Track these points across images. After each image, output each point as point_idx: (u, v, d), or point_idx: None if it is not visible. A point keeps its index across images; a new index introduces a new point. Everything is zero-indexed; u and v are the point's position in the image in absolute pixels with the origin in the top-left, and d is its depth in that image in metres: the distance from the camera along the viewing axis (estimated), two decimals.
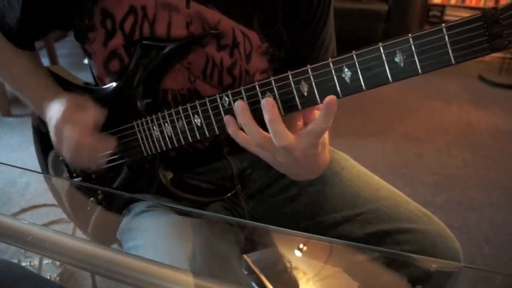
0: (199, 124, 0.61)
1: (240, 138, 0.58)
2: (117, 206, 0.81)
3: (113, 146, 0.71)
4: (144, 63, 0.66)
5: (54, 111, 0.71)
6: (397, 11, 3.03)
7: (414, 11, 3.14)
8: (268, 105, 0.53)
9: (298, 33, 0.69)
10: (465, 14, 3.37)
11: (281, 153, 0.56)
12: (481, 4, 3.34)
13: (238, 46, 0.67)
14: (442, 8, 3.51)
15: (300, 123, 0.58)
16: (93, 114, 0.69)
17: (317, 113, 0.55)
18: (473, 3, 3.39)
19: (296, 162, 0.57)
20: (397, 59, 0.46)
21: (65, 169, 0.84)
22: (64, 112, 0.69)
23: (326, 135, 0.57)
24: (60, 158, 0.83)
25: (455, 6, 3.46)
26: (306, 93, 0.52)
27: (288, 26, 0.68)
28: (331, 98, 0.50)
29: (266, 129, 0.56)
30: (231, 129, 0.57)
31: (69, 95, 0.74)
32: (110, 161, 0.77)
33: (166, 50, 0.64)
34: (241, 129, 0.57)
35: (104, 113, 0.70)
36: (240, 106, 0.55)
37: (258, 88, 0.54)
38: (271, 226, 0.73)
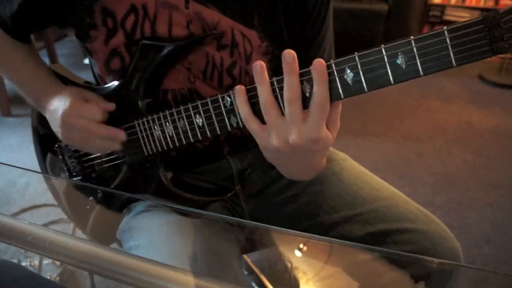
0: (200, 124, 0.61)
1: (243, 110, 0.55)
2: (117, 205, 0.81)
3: (123, 137, 0.71)
4: (145, 62, 0.66)
5: (59, 104, 0.71)
6: (397, 11, 3.02)
7: (414, 11, 3.14)
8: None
9: (297, 32, 0.69)
10: (465, 14, 3.38)
11: (283, 132, 0.53)
12: (481, 4, 3.34)
13: (237, 46, 0.67)
14: (442, 8, 3.51)
15: None
16: (100, 106, 0.70)
17: None
18: (473, 4, 3.39)
19: (292, 154, 0.55)
20: (399, 61, 0.46)
21: (65, 168, 0.84)
22: (70, 105, 0.69)
23: (329, 141, 0.55)
24: (60, 158, 0.83)
25: (455, 6, 3.45)
26: (308, 94, 0.52)
27: (287, 25, 0.68)
28: (318, 61, 0.49)
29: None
30: (239, 99, 0.55)
31: (72, 88, 0.74)
32: (110, 160, 0.77)
33: (167, 50, 0.64)
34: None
35: (111, 105, 0.71)
36: (259, 64, 0.52)
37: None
38: (271, 226, 0.73)
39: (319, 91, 0.50)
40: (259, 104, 0.54)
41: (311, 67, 0.50)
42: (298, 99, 0.51)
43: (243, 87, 0.55)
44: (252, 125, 0.55)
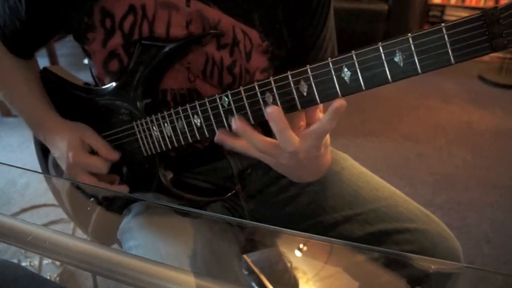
0: (198, 124, 0.61)
1: (239, 147, 0.57)
2: (118, 206, 0.81)
3: (126, 188, 0.75)
4: (143, 63, 0.66)
5: (61, 150, 0.74)
6: (397, 11, 3.03)
7: (414, 11, 3.14)
8: (276, 115, 0.52)
9: (298, 32, 0.69)
10: (465, 14, 3.35)
11: (285, 156, 0.55)
12: (481, 4, 3.34)
13: (238, 45, 0.67)
14: (442, 8, 3.51)
15: (303, 123, 0.57)
16: (103, 157, 0.73)
17: (320, 113, 0.55)
18: (473, 3, 3.39)
19: (299, 164, 0.57)
20: (396, 59, 0.46)
21: None
22: (73, 160, 0.72)
23: (327, 137, 0.57)
24: None
25: (455, 6, 3.46)
26: (305, 93, 0.52)
27: (288, 24, 0.68)
28: (341, 102, 0.49)
29: (265, 130, 0.56)
30: (229, 144, 0.57)
31: (72, 129, 0.75)
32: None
33: (166, 49, 0.64)
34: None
35: (115, 155, 0.73)
36: (240, 125, 0.54)
37: (257, 88, 0.54)
38: (271, 226, 0.73)
39: (329, 123, 0.51)
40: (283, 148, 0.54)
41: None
42: (297, 145, 0.53)
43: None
44: (264, 159, 0.58)
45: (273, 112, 0.52)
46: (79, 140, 0.73)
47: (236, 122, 0.55)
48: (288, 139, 0.53)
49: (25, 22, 0.70)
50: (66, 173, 0.75)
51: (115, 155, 0.73)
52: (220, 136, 0.58)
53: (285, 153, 0.55)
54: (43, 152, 0.89)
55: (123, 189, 0.74)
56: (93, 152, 0.74)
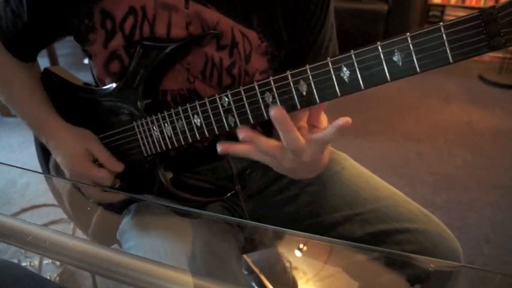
0: (199, 124, 0.62)
1: (243, 152, 0.57)
2: (117, 206, 0.81)
3: (126, 198, 0.76)
4: (144, 63, 0.66)
5: (64, 154, 0.75)
6: (397, 11, 3.03)
7: (414, 11, 3.14)
8: (282, 116, 0.52)
9: (297, 33, 0.69)
10: (465, 14, 3.37)
11: (289, 158, 0.56)
12: (481, 4, 3.34)
13: (237, 46, 0.67)
14: (442, 8, 3.51)
15: (303, 123, 0.58)
16: (108, 168, 0.74)
17: (324, 117, 0.56)
18: (473, 3, 3.39)
19: (301, 166, 0.57)
20: (395, 58, 0.46)
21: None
22: (79, 168, 0.73)
23: None
24: None
25: (455, 6, 3.46)
26: (305, 93, 0.52)
27: (287, 25, 0.68)
28: (346, 120, 0.50)
29: (265, 129, 0.56)
30: (233, 151, 0.58)
31: (76, 135, 0.75)
32: None
33: (166, 50, 0.64)
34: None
35: (119, 166, 0.74)
36: (246, 134, 0.55)
37: (257, 88, 0.54)
38: (271, 226, 0.73)
39: (334, 134, 0.52)
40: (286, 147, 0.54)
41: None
42: (302, 147, 0.53)
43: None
44: (267, 160, 0.58)
45: (277, 114, 0.52)
46: (84, 149, 0.74)
47: (242, 131, 0.55)
48: (294, 140, 0.53)
49: (27, 25, 0.70)
50: (68, 174, 0.75)
51: (119, 167, 0.74)
52: (222, 147, 0.58)
53: (288, 155, 0.55)
54: (44, 152, 0.89)
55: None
56: (95, 161, 0.74)
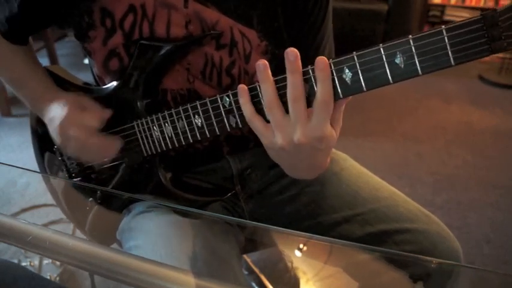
0: (199, 124, 0.61)
1: (248, 111, 0.55)
2: (117, 206, 0.81)
3: (119, 146, 0.72)
4: (143, 63, 0.66)
5: (56, 112, 0.71)
6: (397, 11, 3.02)
7: (414, 11, 3.14)
8: (296, 82, 0.51)
9: (297, 32, 0.69)
10: (465, 14, 3.37)
11: (288, 132, 0.53)
12: (481, 4, 3.34)
13: (236, 45, 0.67)
14: (442, 8, 3.51)
15: None
16: (97, 114, 0.70)
17: None
18: (473, 3, 3.39)
19: (295, 150, 0.54)
20: (397, 60, 0.46)
21: (64, 169, 0.84)
22: (68, 114, 0.70)
23: (334, 138, 0.55)
24: (60, 158, 0.83)
25: (455, 6, 3.45)
26: (307, 94, 0.52)
27: (287, 24, 0.68)
28: (321, 58, 0.49)
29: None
30: (243, 99, 0.55)
31: (70, 95, 0.74)
32: (109, 161, 0.77)
33: (166, 50, 0.64)
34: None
35: (108, 112, 0.71)
36: (263, 63, 0.53)
37: (259, 89, 0.54)
38: (271, 226, 0.73)
39: (323, 88, 0.50)
40: (263, 103, 0.54)
41: (314, 65, 0.50)
42: (302, 98, 0.51)
43: (245, 86, 0.55)
44: (257, 124, 0.55)
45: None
46: (75, 98, 0.73)
47: (262, 61, 0.53)
48: (298, 84, 0.51)
49: (18, 14, 0.69)
50: (60, 132, 0.71)
51: (107, 112, 0.71)
52: (241, 87, 0.55)
53: (288, 126, 0.53)
54: (41, 152, 0.89)
55: (115, 143, 0.72)
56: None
